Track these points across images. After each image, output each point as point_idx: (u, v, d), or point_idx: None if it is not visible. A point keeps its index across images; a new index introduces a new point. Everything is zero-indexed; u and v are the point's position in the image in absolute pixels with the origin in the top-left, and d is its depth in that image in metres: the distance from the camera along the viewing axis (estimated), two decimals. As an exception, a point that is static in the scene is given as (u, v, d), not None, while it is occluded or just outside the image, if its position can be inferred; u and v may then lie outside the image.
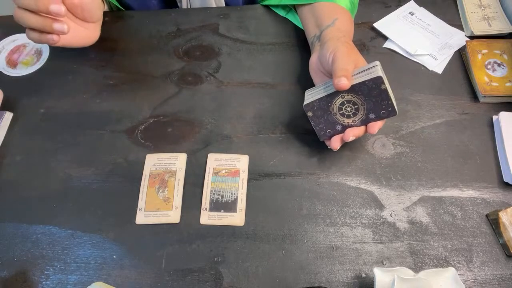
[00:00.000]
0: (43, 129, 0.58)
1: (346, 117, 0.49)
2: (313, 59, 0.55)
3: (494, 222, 0.50)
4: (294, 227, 0.50)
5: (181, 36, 0.66)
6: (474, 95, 0.60)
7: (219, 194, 0.52)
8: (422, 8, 0.69)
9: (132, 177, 0.53)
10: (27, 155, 0.56)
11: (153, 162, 0.54)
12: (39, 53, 0.65)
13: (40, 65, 0.64)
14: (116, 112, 0.59)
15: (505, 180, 0.52)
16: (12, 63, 0.64)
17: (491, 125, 0.57)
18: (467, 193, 0.52)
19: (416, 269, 0.47)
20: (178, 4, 0.69)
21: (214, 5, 0.69)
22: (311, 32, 0.59)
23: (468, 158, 0.55)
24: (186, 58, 0.64)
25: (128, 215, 0.51)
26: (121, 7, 0.70)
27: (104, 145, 0.56)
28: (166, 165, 0.54)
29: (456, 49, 0.64)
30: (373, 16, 0.67)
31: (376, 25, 0.66)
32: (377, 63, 0.47)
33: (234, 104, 0.59)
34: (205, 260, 0.48)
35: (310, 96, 0.51)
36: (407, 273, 0.44)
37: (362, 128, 0.49)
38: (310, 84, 0.55)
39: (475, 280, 0.47)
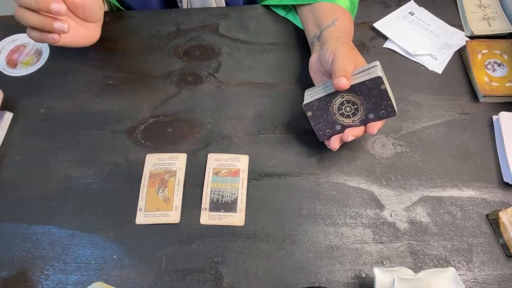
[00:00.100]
0: (43, 129, 0.58)
1: (346, 117, 0.49)
2: (313, 59, 0.55)
3: (494, 222, 0.50)
4: (294, 227, 0.50)
5: (181, 36, 0.66)
6: (474, 95, 0.60)
7: (219, 194, 0.52)
8: (422, 8, 0.69)
9: (132, 177, 0.53)
10: (27, 155, 0.56)
11: (153, 162, 0.54)
12: (39, 53, 0.65)
13: (40, 65, 0.64)
14: (116, 112, 0.59)
15: (505, 180, 0.52)
16: (12, 63, 0.64)
17: (491, 125, 0.57)
18: (467, 193, 0.52)
19: (416, 269, 0.47)
20: (179, 4, 0.70)
21: (214, 5, 0.69)
22: (311, 32, 0.59)
23: (468, 158, 0.55)
24: (186, 58, 0.64)
25: (128, 215, 0.51)
26: (121, 7, 0.70)
27: (104, 145, 0.56)
28: (166, 165, 0.54)
29: (456, 49, 0.64)
30: (373, 16, 0.67)
31: (376, 25, 0.66)
32: (377, 63, 0.47)
33: (234, 104, 0.59)
34: (205, 260, 0.48)
35: (310, 96, 0.51)
36: (407, 273, 0.44)
37: (362, 128, 0.49)
38: (310, 84, 0.55)
39: (475, 280, 0.47)
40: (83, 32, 0.56)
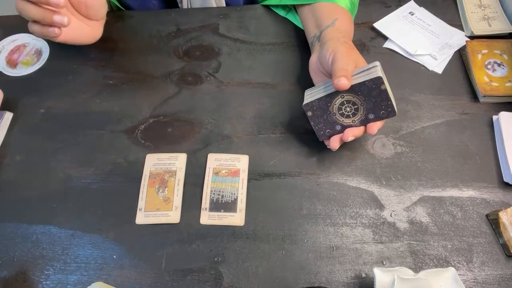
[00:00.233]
0: (43, 129, 0.58)
1: (346, 117, 0.49)
2: (313, 59, 0.55)
3: (494, 222, 0.50)
4: (294, 227, 0.50)
5: (181, 36, 0.66)
6: (474, 95, 0.60)
7: (219, 194, 0.52)
8: (422, 8, 0.69)
9: (132, 177, 0.53)
10: (27, 155, 0.56)
11: (153, 162, 0.54)
12: (39, 53, 0.65)
13: (40, 65, 0.64)
14: (116, 112, 0.59)
15: (505, 180, 0.52)
16: (12, 63, 0.64)
17: (491, 125, 0.57)
18: (467, 193, 0.52)
19: (416, 269, 0.47)
20: (179, 4, 0.70)
21: (214, 5, 0.69)
22: (311, 32, 0.59)
23: (468, 158, 0.55)
24: (186, 58, 0.64)
25: (128, 215, 0.51)
26: (121, 7, 0.70)
27: (104, 145, 0.56)
28: (166, 165, 0.54)
29: (456, 49, 0.64)
30: (373, 16, 0.67)
31: (376, 25, 0.66)
32: (377, 63, 0.47)
33: (234, 104, 0.59)
34: (205, 260, 0.48)
35: (310, 96, 0.51)
36: (407, 273, 0.44)
37: (362, 128, 0.49)
38: (310, 84, 0.55)
39: (475, 280, 0.47)
40: (85, 30, 0.56)
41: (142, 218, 0.50)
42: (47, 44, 0.65)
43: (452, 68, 0.62)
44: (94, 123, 0.58)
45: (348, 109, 0.49)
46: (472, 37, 0.64)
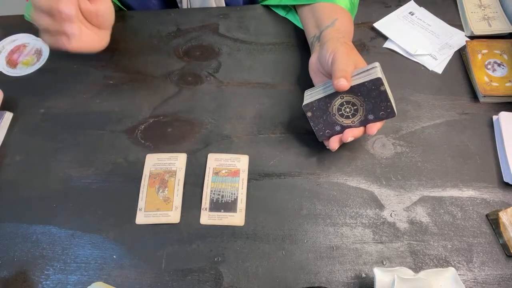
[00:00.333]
0: (43, 129, 0.58)
1: (345, 118, 0.49)
2: (313, 60, 0.55)
3: (494, 222, 0.50)
4: (294, 227, 0.50)
5: (181, 36, 0.66)
6: (474, 95, 0.60)
7: (219, 194, 0.52)
8: (422, 8, 0.69)
9: (132, 177, 0.53)
10: (27, 155, 0.56)
11: (153, 162, 0.54)
12: (39, 53, 0.65)
13: (40, 65, 0.64)
14: (116, 112, 0.59)
15: (505, 180, 0.52)
16: (12, 63, 0.64)
17: (491, 125, 0.57)
18: (467, 193, 0.52)
19: (416, 269, 0.47)
20: (179, 4, 0.70)
21: (214, 5, 0.69)
22: (310, 32, 0.59)
23: (468, 158, 0.55)
24: (186, 58, 0.64)
25: (128, 215, 0.51)
26: (122, 7, 0.70)
27: (104, 145, 0.56)
28: (166, 165, 0.54)
29: (456, 49, 0.64)
30: (373, 16, 0.67)
31: (376, 25, 0.66)
32: (377, 64, 0.47)
33: (234, 104, 0.59)
34: (205, 260, 0.48)
35: (310, 96, 0.51)
36: (407, 273, 0.44)
37: (361, 129, 0.49)
38: (310, 84, 0.55)
39: (475, 280, 0.47)
40: (95, 39, 0.56)
41: (142, 218, 0.50)
42: (47, 44, 0.65)
43: (452, 68, 0.62)
44: (94, 123, 0.58)
45: (347, 109, 0.49)
46: (472, 37, 0.64)
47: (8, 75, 0.63)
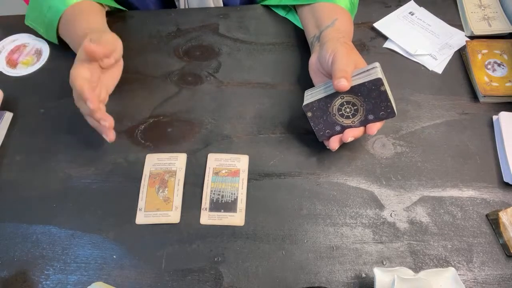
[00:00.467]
0: (43, 129, 0.58)
1: (345, 118, 0.49)
2: (313, 60, 0.55)
3: (494, 222, 0.50)
4: (294, 227, 0.50)
5: (181, 36, 0.66)
6: (474, 95, 0.60)
7: (219, 194, 0.52)
8: (422, 8, 0.69)
9: (132, 177, 0.53)
10: (27, 155, 0.56)
11: (153, 162, 0.54)
12: (39, 53, 0.65)
13: (40, 65, 0.64)
14: (116, 112, 0.58)
15: (505, 180, 0.52)
16: (12, 63, 0.64)
17: (491, 125, 0.57)
18: (467, 193, 0.52)
19: (416, 269, 0.47)
20: (176, 3, 0.69)
21: (212, 5, 0.69)
22: (310, 32, 0.59)
23: (468, 158, 0.55)
24: (186, 58, 0.64)
25: (128, 215, 0.51)
26: (122, 7, 0.70)
27: (104, 145, 0.56)
28: (166, 165, 0.54)
29: (456, 49, 0.64)
30: (373, 16, 0.67)
31: (376, 25, 0.66)
32: (377, 64, 0.47)
33: (234, 104, 0.59)
34: (205, 260, 0.48)
35: (310, 96, 0.51)
36: (407, 273, 0.44)
37: (361, 129, 0.49)
38: (310, 84, 0.55)
39: (475, 280, 0.47)
40: (116, 74, 0.57)
41: (142, 218, 0.50)
42: (47, 44, 0.65)
43: (452, 68, 0.62)
44: (94, 123, 0.58)
45: (347, 110, 0.49)
46: (472, 37, 0.64)
47: (8, 75, 0.63)
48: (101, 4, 0.63)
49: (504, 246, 0.48)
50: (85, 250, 0.49)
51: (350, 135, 0.49)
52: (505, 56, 0.61)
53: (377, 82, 0.45)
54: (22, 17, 0.65)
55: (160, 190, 0.52)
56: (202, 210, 0.51)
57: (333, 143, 0.50)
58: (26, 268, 0.48)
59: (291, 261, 0.48)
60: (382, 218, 0.51)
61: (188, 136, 0.57)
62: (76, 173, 0.54)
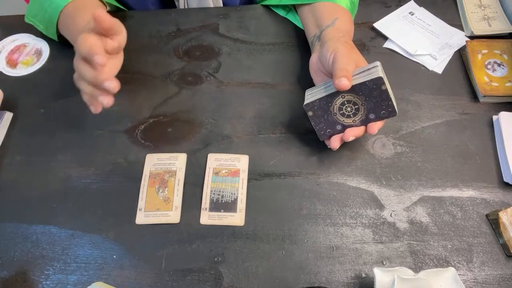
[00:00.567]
0: (43, 129, 0.58)
1: (346, 117, 0.49)
2: (313, 59, 0.55)
3: (494, 222, 0.50)
4: (294, 227, 0.50)
5: (181, 36, 0.66)
6: (474, 95, 0.60)
7: (219, 194, 0.52)
8: (422, 8, 0.69)
9: (132, 177, 0.53)
10: (27, 155, 0.56)
11: (153, 162, 0.54)
12: (39, 53, 0.65)
13: (40, 65, 0.64)
14: (116, 112, 0.59)
15: (505, 180, 0.52)
16: (12, 63, 0.64)
17: (491, 125, 0.57)
18: (467, 193, 0.52)
19: (416, 269, 0.47)
20: (176, 3, 0.69)
21: (211, 5, 0.69)
22: (311, 32, 0.59)
23: (468, 158, 0.55)
24: (186, 58, 0.64)
25: (128, 215, 0.51)
26: (122, 7, 0.70)
27: (104, 145, 0.56)
28: (166, 165, 0.54)
29: (456, 49, 0.64)
30: (373, 16, 0.67)
31: (376, 25, 0.66)
32: (378, 63, 0.47)
33: (234, 104, 0.59)
34: (205, 260, 0.48)
35: (311, 95, 0.51)
36: (407, 273, 0.44)
37: (362, 128, 0.49)
38: (310, 84, 0.55)
39: (475, 280, 0.47)
40: (118, 63, 0.56)
41: (142, 218, 0.50)
42: (47, 44, 0.65)
43: (452, 68, 0.62)
44: (94, 123, 0.58)
45: (348, 109, 0.49)
46: (472, 37, 0.64)
47: (8, 75, 0.63)
48: (102, 2, 0.63)
49: (504, 246, 0.48)
50: (85, 250, 0.49)
51: (351, 134, 0.49)
52: (505, 56, 0.61)
53: (378, 81, 0.45)
54: (22, 17, 0.65)
55: (160, 190, 0.52)
56: (202, 210, 0.51)
57: (334, 142, 0.50)
58: (26, 268, 0.48)
59: (291, 261, 0.48)
60: (382, 218, 0.51)
61: (188, 136, 0.57)
62: (76, 173, 0.54)
